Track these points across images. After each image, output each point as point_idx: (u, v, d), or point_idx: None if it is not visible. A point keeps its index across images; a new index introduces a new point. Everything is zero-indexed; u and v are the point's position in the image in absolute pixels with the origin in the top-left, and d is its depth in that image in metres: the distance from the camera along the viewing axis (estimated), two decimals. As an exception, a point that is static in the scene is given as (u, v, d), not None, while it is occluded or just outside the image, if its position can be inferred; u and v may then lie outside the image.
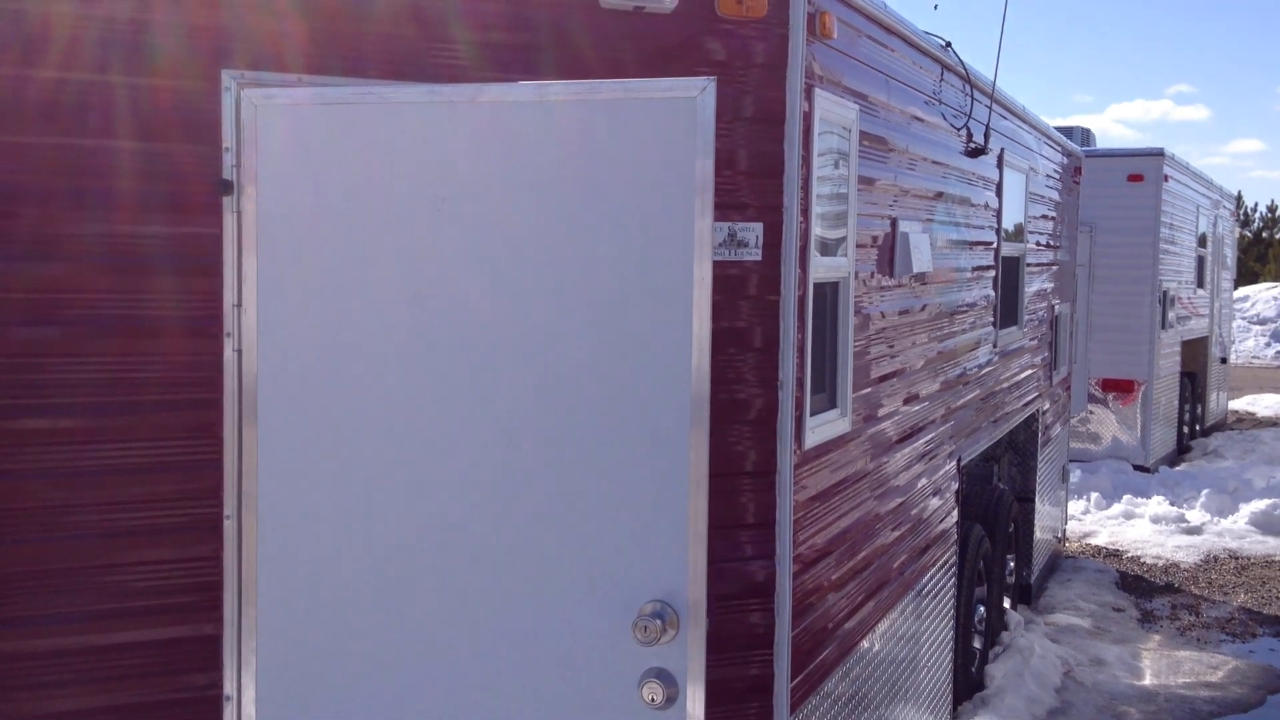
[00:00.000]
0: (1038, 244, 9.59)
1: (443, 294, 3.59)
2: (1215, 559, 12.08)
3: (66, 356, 3.51)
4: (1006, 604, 9.16)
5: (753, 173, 4.24)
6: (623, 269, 3.50)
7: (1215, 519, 13.38)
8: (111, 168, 3.50)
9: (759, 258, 4.26)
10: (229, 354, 3.65)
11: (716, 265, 4.17)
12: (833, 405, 4.94)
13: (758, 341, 4.29)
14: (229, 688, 3.71)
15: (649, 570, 3.53)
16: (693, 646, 3.49)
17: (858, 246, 5.11)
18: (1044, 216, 9.87)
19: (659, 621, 3.45)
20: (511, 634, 3.62)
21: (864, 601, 5.43)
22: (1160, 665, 8.94)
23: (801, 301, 4.43)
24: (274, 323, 3.64)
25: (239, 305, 3.64)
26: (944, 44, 6.35)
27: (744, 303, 4.26)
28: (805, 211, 4.43)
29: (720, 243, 4.19)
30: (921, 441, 6.33)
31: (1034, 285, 9.49)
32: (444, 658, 3.63)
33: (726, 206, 4.19)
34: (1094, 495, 14.05)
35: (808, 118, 4.41)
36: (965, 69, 6.71)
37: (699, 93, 3.45)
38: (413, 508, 3.63)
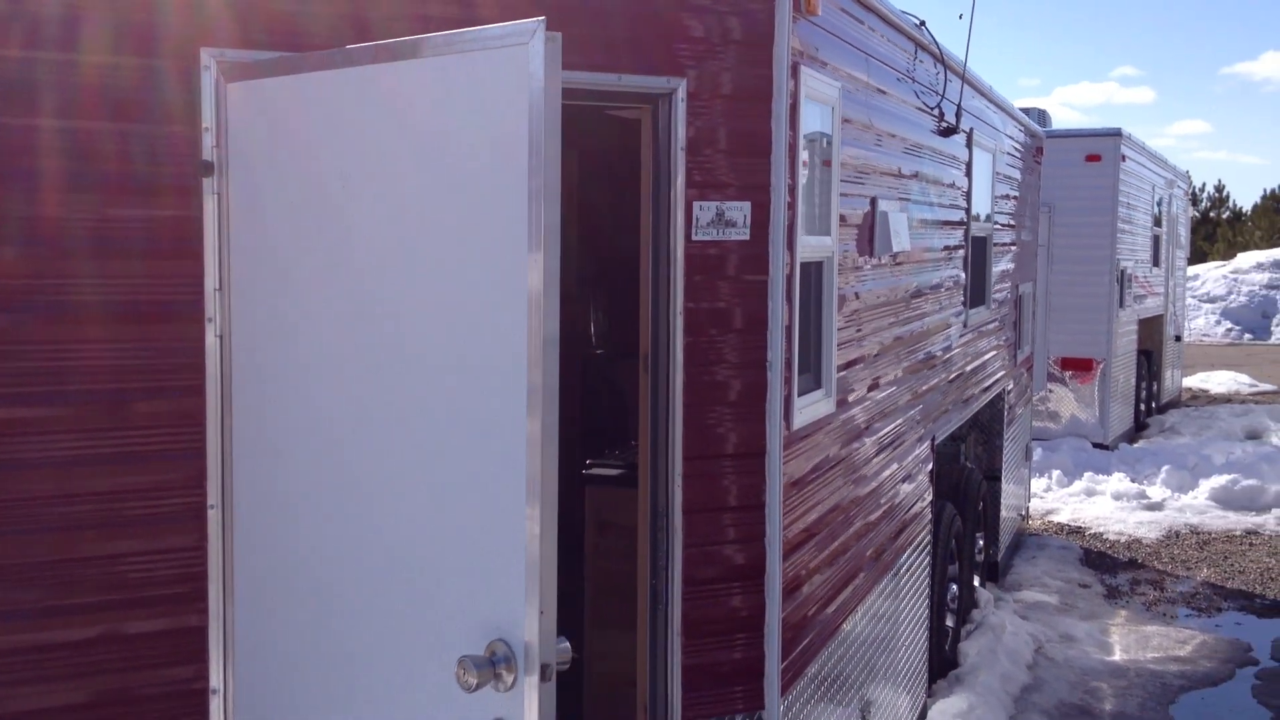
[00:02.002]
0: (1003, 224, 9.60)
1: (345, 278, 3.28)
2: (1177, 534, 12.18)
3: (46, 344, 3.40)
4: (976, 582, 9.19)
5: (738, 151, 4.19)
6: (455, 245, 3.05)
7: (1176, 495, 13.50)
8: (89, 149, 3.39)
9: (747, 237, 4.21)
10: (210, 339, 3.56)
11: (699, 245, 4.12)
12: (818, 386, 4.90)
13: (742, 322, 4.24)
14: (215, 680, 3.62)
15: (475, 602, 2.95)
16: (531, 700, 2.82)
17: (840, 225, 5.07)
18: (1009, 196, 9.88)
19: (491, 667, 2.85)
20: (370, 654, 3.30)
21: (846, 582, 5.41)
22: (1129, 640, 9.00)
23: (789, 281, 4.39)
24: (247, 308, 3.52)
25: (220, 289, 3.55)
26: (918, 22, 6.32)
27: (729, 283, 4.21)
28: (792, 190, 4.38)
29: (708, 222, 4.14)
30: (899, 421, 6.32)
31: (1000, 265, 9.50)
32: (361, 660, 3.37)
33: (709, 186, 4.13)
34: (1055, 473, 14.13)
35: (794, 95, 4.36)
36: (939, 48, 6.69)
37: (529, 39, 2.80)
38: (345, 504, 3.37)
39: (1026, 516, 12.01)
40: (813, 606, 4.92)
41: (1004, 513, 10.30)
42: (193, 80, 3.47)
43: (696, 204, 4.12)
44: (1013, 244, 10.15)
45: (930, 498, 7.21)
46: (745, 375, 4.27)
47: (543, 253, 2.84)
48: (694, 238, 4.13)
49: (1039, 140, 11.80)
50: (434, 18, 3.67)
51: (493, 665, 2.85)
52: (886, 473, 6.08)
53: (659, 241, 4.15)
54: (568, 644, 2.89)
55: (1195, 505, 13.17)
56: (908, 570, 6.62)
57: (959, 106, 7.07)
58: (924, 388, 6.90)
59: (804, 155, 4.51)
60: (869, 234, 5.56)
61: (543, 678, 2.81)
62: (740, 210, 4.19)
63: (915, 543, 6.81)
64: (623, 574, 4.87)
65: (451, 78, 3.01)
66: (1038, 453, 14.31)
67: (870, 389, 5.74)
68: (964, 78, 7.16)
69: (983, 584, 9.50)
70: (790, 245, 4.38)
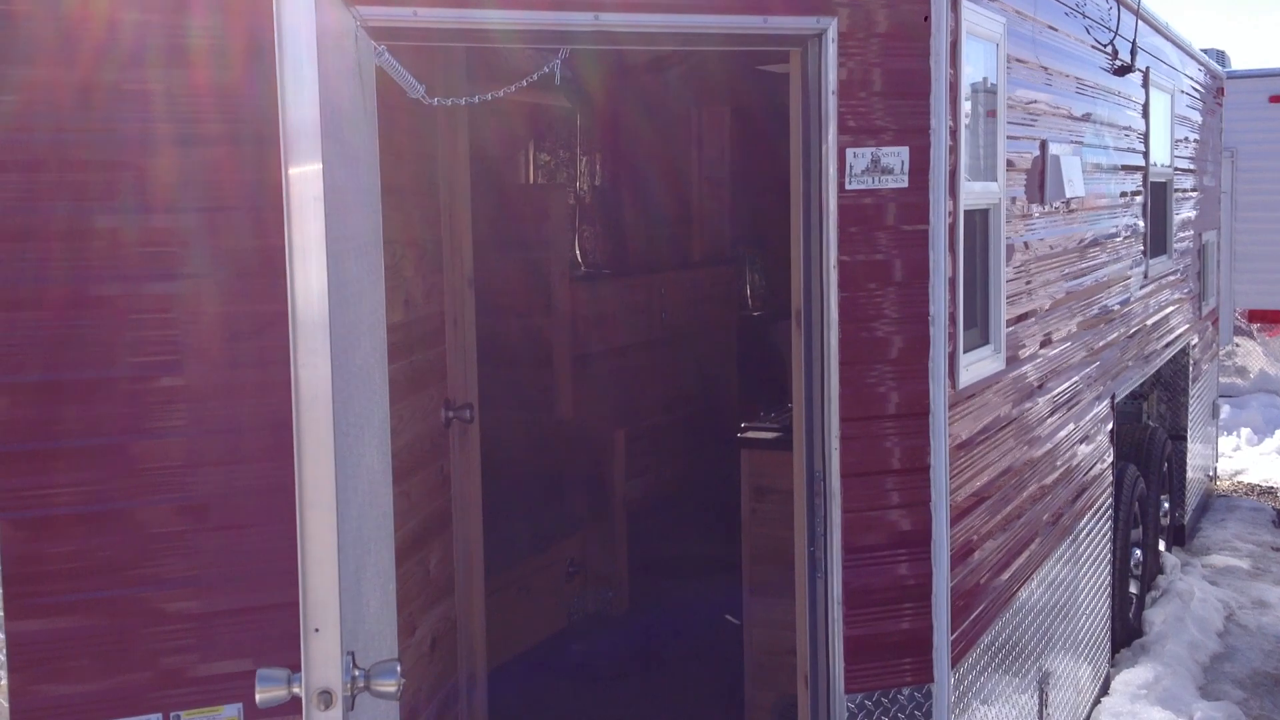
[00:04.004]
0: (1184, 169, 9.08)
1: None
2: (1379, 495, 11.46)
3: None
4: (1161, 546, 8.75)
5: (894, 93, 3.94)
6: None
7: (1377, 452, 12.71)
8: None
9: (905, 184, 3.96)
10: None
11: (854, 194, 3.89)
12: (985, 342, 4.63)
13: (902, 274, 3.99)
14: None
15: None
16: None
17: (1007, 170, 4.77)
18: (1189, 140, 9.34)
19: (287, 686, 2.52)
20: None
21: (1021, 549, 5.13)
22: (1329, 608, 8.46)
23: (952, 230, 4.13)
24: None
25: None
26: (1088, -48, 5.95)
27: (886, 233, 3.96)
28: (954, 133, 4.12)
29: (862, 169, 3.90)
30: (1074, 379, 5.98)
31: (1181, 213, 9.00)
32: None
33: (864, 131, 3.89)
34: (1244, 431, 13.44)
35: (955, 31, 4.08)
36: (1110, -20, 6.29)
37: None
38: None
39: (1215, 477, 11.43)
40: (984, 574, 4.66)
41: (1190, 473, 9.80)
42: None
43: (850, 151, 3.89)
44: (1194, 190, 9.61)
45: (1111, 459, 6.84)
46: (906, 331, 4.03)
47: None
48: (848, 187, 3.90)
49: (1220, 81, 11.16)
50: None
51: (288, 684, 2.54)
52: (1062, 433, 5.76)
53: (810, 192, 3.93)
54: (394, 668, 2.57)
55: (1398, 463, 12.38)
56: (1087, 535, 6.29)
57: (1134, 43, 6.65)
58: (1101, 343, 6.54)
59: (966, 95, 4.23)
60: (1039, 179, 5.24)
61: (320, 705, 2.49)
62: (897, 156, 3.94)
63: (1095, 506, 6.47)
64: (782, 540, 4.68)
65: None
66: (1225, 410, 13.61)
67: (1043, 344, 5.43)
68: (1138, 13, 6.74)
69: (1168, 548, 9.04)
70: (952, 192, 4.12)
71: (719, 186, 9.57)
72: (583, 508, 7.24)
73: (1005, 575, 4.91)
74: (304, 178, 2.70)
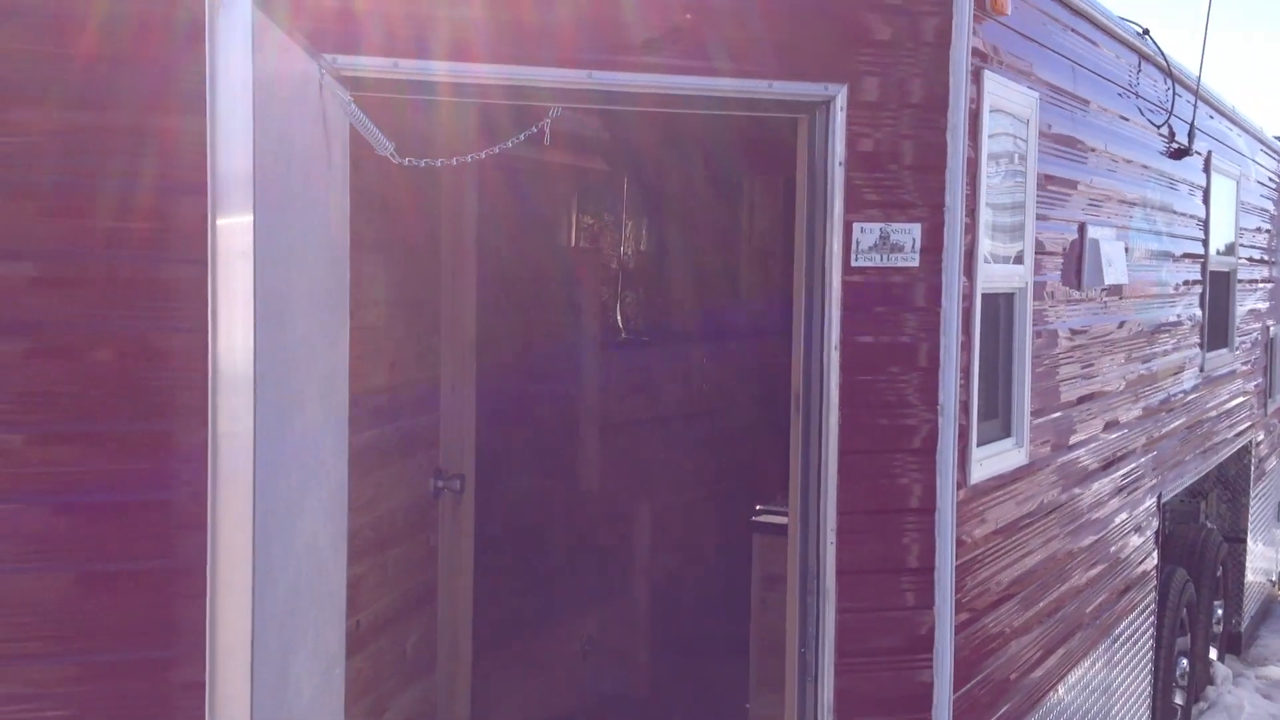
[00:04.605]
0: (1250, 258, 8.71)
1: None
2: None
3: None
4: (1213, 655, 8.30)
5: (907, 166, 3.70)
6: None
7: None
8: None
9: (916, 264, 3.71)
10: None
11: (860, 272, 3.65)
12: (1006, 434, 4.34)
13: (910, 360, 3.73)
14: None
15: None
16: None
17: (1038, 254, 4.50)
18: (1258, 229, 8.99)
19: None
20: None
21: (1045, 657, 4.80)
22: (1393, 729, 7.95)
23: (967, 314, 3.87)
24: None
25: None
26: (1140, 31, 5.68)
27: (894, 315, 3.72)
28: (972, 211, 3.87)
29: (870, 246, 3.66)
30: (1116, 475, 5.65)
31: (1247, 304, 8.62)
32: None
33: (872, 205, 3.66)
34: (1314, 534, 12.87)
35: (975, 103, 3.85)
36: (1165, 59, 6.01)
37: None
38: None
39: (1278, 583, 10.91)
40: (995, 685, 4.35)
41: (1249, 577, 9.33)
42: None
43: (857, 226, 3.65)
44: (1263, 280, 9.23)
45: (1155, 561, 6.47)
46: (913, 420, 3.76)
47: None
48: (854, 263, 3.65)
49: (1295, 168, 10.77)
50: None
51: None
52: (1099, 533, 5.43)
53: (814, 267, 3.69)
54: None
55: None
56: (1125, 642, 5.92)
57: (1192, 125, 6.35)
58: (1146, 438, 6.20)
59: (989, 172, 3.99)
60: (1076, 264, 4.96)
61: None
62: (908, 233, 3.70)
63: (1135, 611, 6.10)
64: (791, 634, 4.39)
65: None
66: (1294, 511, 13.06)
67: (1080, 437, 5.13)
68: (1198, 94, 6.45)
69: (1220, 657, 8.58)
70: (969, 273, 3.86)
71: (768, 258, 9.35)
72: (602, 581, 6.99)
73: (1022, 688, 4.58)
74: (231, 230, 2.53)
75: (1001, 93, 4.03)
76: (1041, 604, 4.75)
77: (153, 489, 2.96)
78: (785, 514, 5.15)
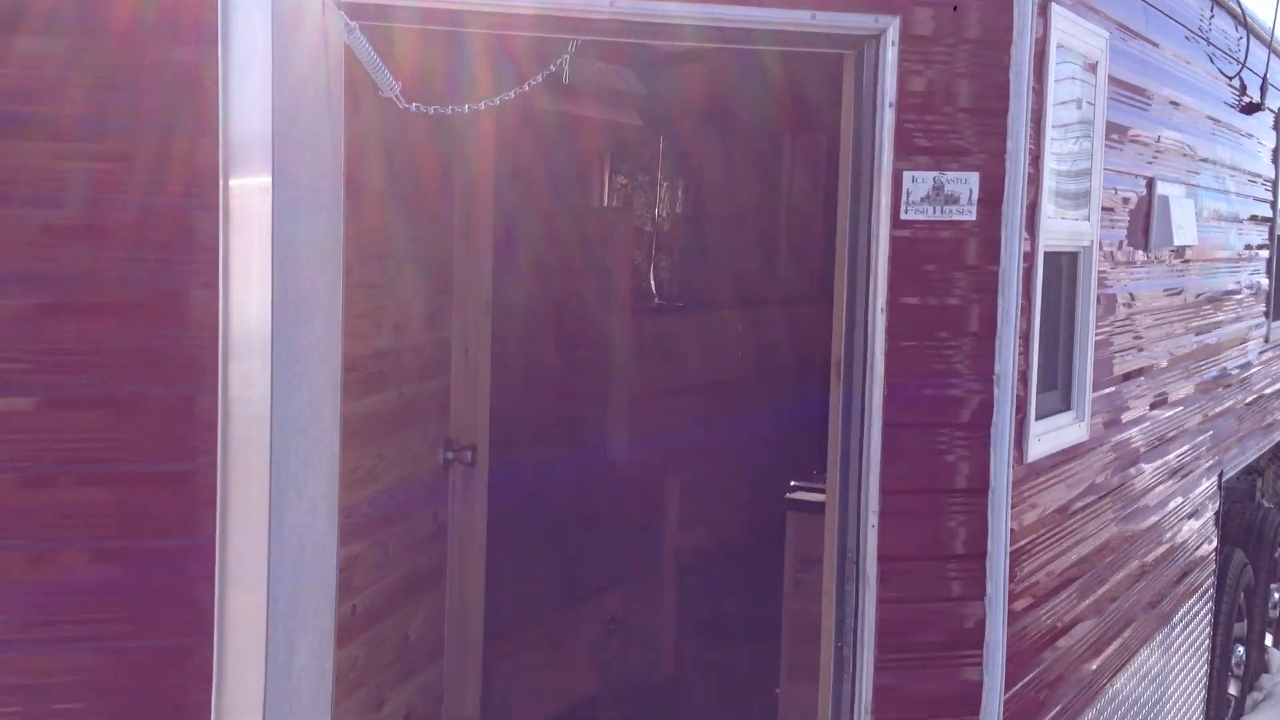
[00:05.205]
0: (1320, 224, 8.29)
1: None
2: None
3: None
4: (1269, 642, 7.93)
5: (965, 109, 3.33)
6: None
7: None
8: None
9: (972, 217, 3.34)
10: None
11: (909, 225, 3.28)
12: (1066, 407, 3.98)
13: (964, 325, 3.37)
14: None
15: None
16: None
17: (1103, 210, 4.12)
18: (1328, 193, 8.55)
19: None
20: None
21: (1101, 649, 4.46)
22: None
23: (1028, 274, 3.50)
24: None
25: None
26: (1214, -27, 5.28)
27: (948, 275, 3.35)
28: (1035, 160, 3.49)
29: (921, 197, 3.29)
30: (1176, 453, 5.28)
31: (1314, 272, 8.21)
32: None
33: (926, 152, 3.29)
34: (1372, 514, 12.42)
35: (1041, 41, 3.47)
36: (1240, 6, 5.60)
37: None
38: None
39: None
40: (1051, 681, 4.00)
41: (1309, 561, 8.94)
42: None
43: (908, 175, 3.28)
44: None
45: (1214, 544, 6.10)
46: (965, 392, 3.40)
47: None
48: (903, 217, 3.29)
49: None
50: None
51: None
52: (1156, 516, 5.06)
53: (859, 222, 3.33)
54: None
55: None
56: (1181, 631, 5.57)
57: (1264, 79, 5.95)
58: (1210, 413, 5.83)
59: (1054, 117, 3.61)
60: (1144, 222, 4.59)
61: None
62: (965, 183, 3.32)
63: (1193, 597, 5.74)
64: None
65: None
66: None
67: (1139, 412, 4.76)
68: (1270, 44, 6.04)
69: (1276, 644, 8.21)
70: (1030, 229, 3.49)
71: (810, 219, 9.00)
72: (628, 560, 6.68)
73: (1076, 681, 4.24)
74: (245, 189, 2.23)
75: (1070, 29, 3.65)
76: (1100, 592, 4.40)
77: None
78: (823, 491, 4.83)
